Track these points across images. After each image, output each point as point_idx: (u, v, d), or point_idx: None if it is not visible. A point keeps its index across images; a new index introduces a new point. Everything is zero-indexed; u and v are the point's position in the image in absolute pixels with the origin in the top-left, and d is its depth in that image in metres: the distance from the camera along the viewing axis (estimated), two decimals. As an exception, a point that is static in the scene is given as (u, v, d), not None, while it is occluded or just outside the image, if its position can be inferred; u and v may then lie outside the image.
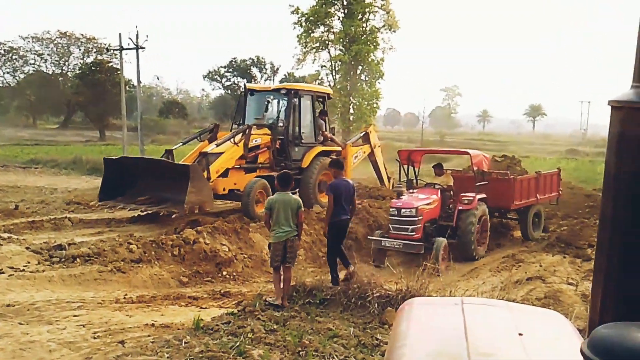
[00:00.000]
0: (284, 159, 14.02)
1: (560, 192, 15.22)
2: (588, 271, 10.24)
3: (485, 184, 12.28)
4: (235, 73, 65.21)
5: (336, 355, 5.49)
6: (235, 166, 13.08)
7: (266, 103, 14.40)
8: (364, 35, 41.87)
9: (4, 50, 58.40)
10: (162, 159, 13.11)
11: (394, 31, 42.89)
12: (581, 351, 1.02)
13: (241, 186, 12.90)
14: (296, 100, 14.28)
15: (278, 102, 14.71)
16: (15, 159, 27.46)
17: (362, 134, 17.12)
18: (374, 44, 42.19)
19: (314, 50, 43.43)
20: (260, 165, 13.76)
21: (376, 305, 6.84)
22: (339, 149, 15.37)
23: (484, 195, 12.11)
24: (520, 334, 1.68)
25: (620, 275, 1.22)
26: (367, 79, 43.32)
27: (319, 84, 39.96)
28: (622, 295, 1.24)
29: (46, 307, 6.83)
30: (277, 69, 65.38)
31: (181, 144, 14.83)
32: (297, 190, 13.21)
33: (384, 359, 1.69)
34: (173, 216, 11.90)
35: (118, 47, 32.51)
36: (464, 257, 11.54)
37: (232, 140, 13.06)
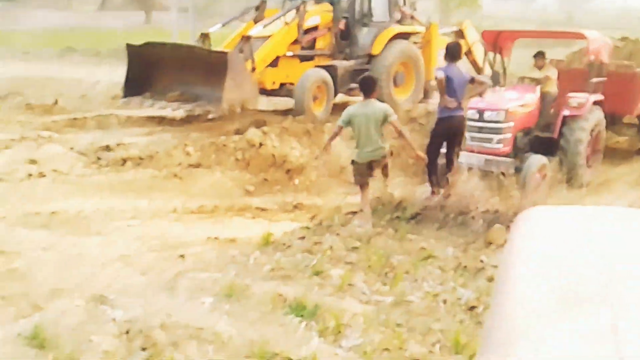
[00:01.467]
0: (349, 44, 13.44)
1: None
2: None
3: (602, 81, 10.55)
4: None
5: (431, 279, 5.57)
6: (288, 53, 12.54)
7: None
8: None
9: None
10: (195, 45, 12.80)
11: None
12: None
13: (294, 79, 12.42)
14: None
15: None
16: (48, 47, 28.23)
17: (454, 30, 15.69)
18: None
19: None
20: (319, 52, 13.20)
21: (481, 222, 6.81)
22: (422, 29, 14.55)
23: (600, 97, 10.34)
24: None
25: None
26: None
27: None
28: None
29: (95, 216, 7.19)
30: None
31: (220, 25, 13.98)
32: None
33: (496, 278, 1.69)
34: (209, 116, 11.76)
35: None
36: (566, 181, 9.74)
37: (283, 19, 12.44)
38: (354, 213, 7.46)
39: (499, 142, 9.37)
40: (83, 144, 9.87)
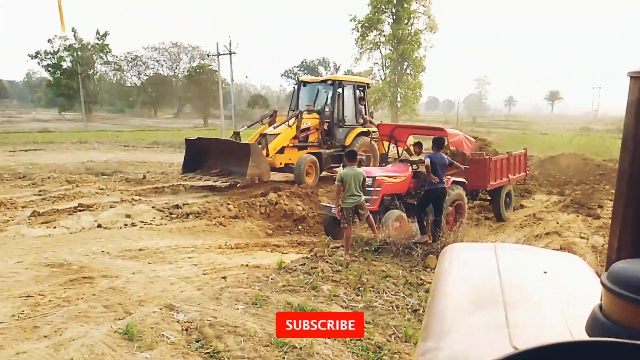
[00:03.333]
0: (330, 139, 13.51)
1: (528, 172, 12.17)
2: (597, 227, 9.72)
3: (464, 168, 9.20)
4: (305, 71, 65.08)
5: (388, 291, 5.48)
6: (290, 145, 12.63)
7: (316, 92, 13.89)
8: (409, 37, 40.78)
9: (131, 58, 60.53)
10: (230, 139, 12.78)
11: (434, 32, 41.53)
12: (602, 282, 0.97)
13: (294, 161, 12.51)
14: (340, 89, 13.68)
15: (325, 91, 14.03)
16: (141, 141, 28.53)
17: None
18: (418, 43, 41.07)
19: (369, 50, 42.76)
20: (310, 144, 13.19)
21: (420, 252, 6.75)
22: (375, 129, 14.77)
23: (461, 179, 9.12)
24: (545, 272, 1.61)
25: (635, 220, 1.15)
26: (411, 72, 42.30)
27: (371, 78, 39.36)
28: (636, 237, 1.18)
29: (168, 251, 7.14)
30: (339, 67, 64.82)
31: (246, 127, 14.28)
32: (359, 164, 12.72)
33: (431, 290, 1.66)
34: (238, 185, 11.63)
35: (215, 54, 33.08)
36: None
37: (287, 123, 12.65)
38: (338, 247, 7.40)
39: (367, 200, 8.19)
40: (161, 204, 9.86)
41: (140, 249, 7.10)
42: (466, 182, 9.25)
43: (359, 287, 5.56)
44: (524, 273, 1.64)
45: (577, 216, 10.92)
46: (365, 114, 14.64)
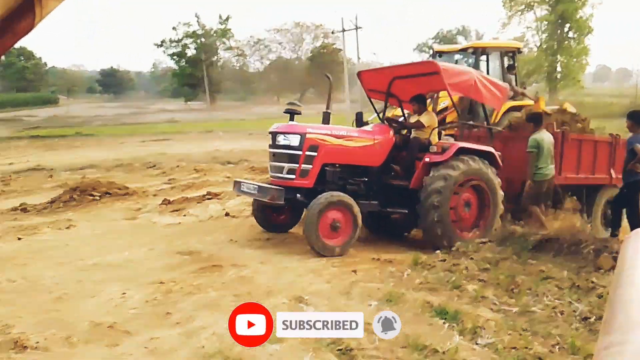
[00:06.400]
0: (472, 117, 12.91)
1: None
2: None
3: (498, 131, 7.35)
4: (442, 43, 63.28)
5: (549, 295, 5.13)
6: None
7: (454, 63, 13.37)
8: (571, -7, 37.52)
9: (253, 42, 64.34)
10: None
11: (605, -15, 37.72)
12: None
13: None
14: (484, 57, 12.71)
15: (466, 62, 13.14)
16: (265, 130, 30.27)
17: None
18: (582, 0, 37.62)
19: (519, 12, 40.34)
20: (448, 125, 12.85)
21: (591, 251, 6.19)
22: (531, 103, 13.52)
23: (487, 148, 6.94)
24: None
25: None
26: (574, 36, 38.94)
27: (524, 46, 37.11)
28: None
29: (295, 241, 7.48)
30: (482, 35, 61.91)
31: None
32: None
33: (613, 282, 1.51)
34: None
35: (340, 30, 33.69)
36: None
37: None
38: (484, 242, 7.09)
39: (290, 171, 6.59)
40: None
41: (267, 239, 7.56)
42: (498, 154, 7.06)
43: (512, 289, 5.30)
44: None
45: None
46: (516, 85, 13.68)
